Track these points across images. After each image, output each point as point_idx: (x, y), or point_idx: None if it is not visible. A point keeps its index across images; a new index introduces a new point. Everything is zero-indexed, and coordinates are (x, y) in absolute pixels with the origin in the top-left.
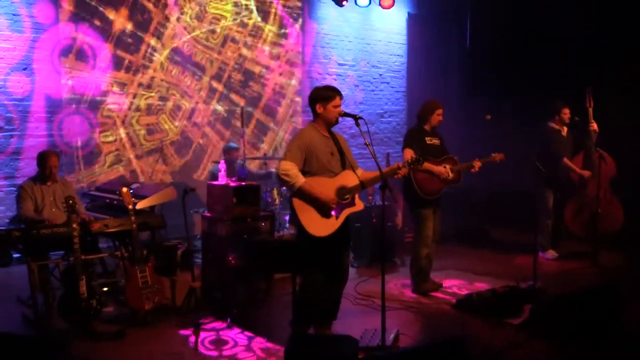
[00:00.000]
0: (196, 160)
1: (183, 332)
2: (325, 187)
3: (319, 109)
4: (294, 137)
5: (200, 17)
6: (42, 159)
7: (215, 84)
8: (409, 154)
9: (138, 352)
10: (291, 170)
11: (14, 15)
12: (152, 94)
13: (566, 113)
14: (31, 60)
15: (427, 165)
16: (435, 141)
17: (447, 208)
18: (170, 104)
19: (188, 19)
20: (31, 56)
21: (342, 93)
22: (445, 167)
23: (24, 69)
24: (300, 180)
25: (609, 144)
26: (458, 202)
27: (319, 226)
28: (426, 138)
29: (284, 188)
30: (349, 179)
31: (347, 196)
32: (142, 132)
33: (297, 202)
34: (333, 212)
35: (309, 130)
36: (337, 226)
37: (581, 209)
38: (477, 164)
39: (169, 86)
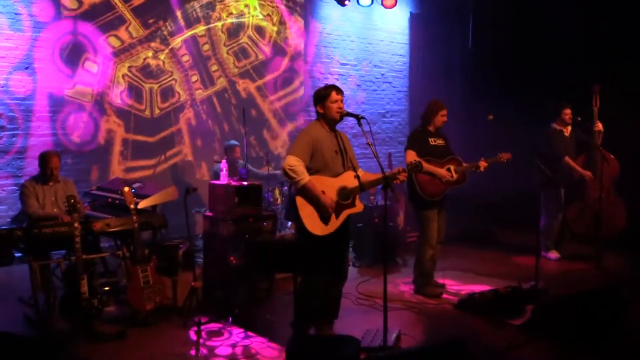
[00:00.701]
0: (149, 150)
1: (184, 332)
2: (327, 186)
3: (320, 109)
4: (301, 132)
5: (232, 34)
6: (43, 159)
7: (215, 102)
8: (411, 155)
9: (139, 352)
10: (298, 166)
11: (15, 14)
12: (156, 59)
13: (567, 113)
14: (33, 58)
15: (429, 167)
16: (440, 142)
17: (450, 209)
18: (165, 81)
19: (220, 26)
20: (32, 55)
21: (345, 93)
22: (449, 168)
23: (26, 68)
24: (305, 178)
25: (612, 144)
26: (462, 203)
27: (319, 225)
28: (430, 139)
29: (286, 187)
30: (351, 179)
31: (348, 197)
32: (123, 84)
33: (300, 200)
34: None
35: (315, 126)
36: (337, 226)
37: (584, 210)
38: (483, 164)
39: (173, 68)
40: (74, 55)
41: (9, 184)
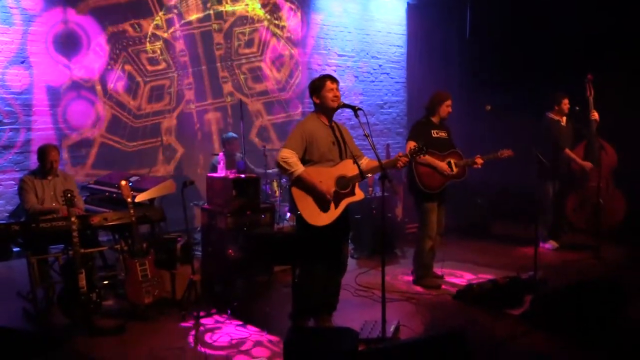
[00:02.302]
0: (128, 133)
1: (183, 325)
2: (324, 176)
3: (316, 100)
4: (296, 125)
5: (249, 45)
6: (42, 153)
7: (211, 118)
8: (412, 146)
9: (138, 346)
10: (291, 158)
11: (10, 7)
12: (154, 45)
13: (566, 103)
14: (27, 51)
15: (429, 159)
16: (442, 134)
17: (449, 200)
18: (161, 70)
19: (237, 41)
20: (26, 48)
21: (342, 84)
22: (449, 162)
23: (22, 62)
24: (299, 168)
25: (610, 134)
26: (460, 194)
27: (318, 215)
28: (433, 131)
29: (284, 180)
30: (349, 168)
31: (347, 186)
32: (118, 73)
33: (296, 191)
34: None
35: (311, 119)
36: (336, 216)
37: (583, 201)
38: (479, 161)
39: (170, 60)
40: (67, 45)
41: (7, 179)
